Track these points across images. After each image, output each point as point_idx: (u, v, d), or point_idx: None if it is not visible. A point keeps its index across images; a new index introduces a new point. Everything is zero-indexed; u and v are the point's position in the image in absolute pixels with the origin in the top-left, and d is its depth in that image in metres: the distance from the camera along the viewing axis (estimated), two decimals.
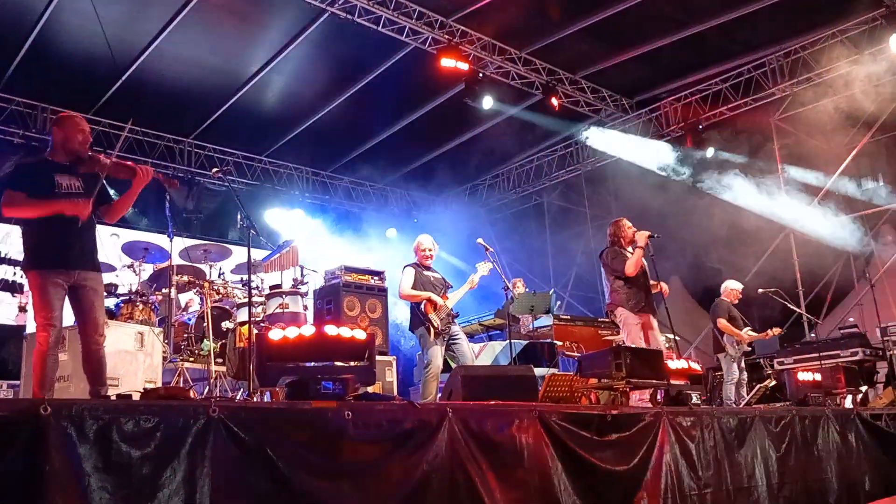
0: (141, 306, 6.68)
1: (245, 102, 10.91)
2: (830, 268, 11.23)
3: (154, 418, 2.75)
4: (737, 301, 8.96)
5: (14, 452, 2.44)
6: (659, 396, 5.75)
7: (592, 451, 4.17)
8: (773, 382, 8.36)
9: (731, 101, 11.17)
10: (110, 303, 6.78)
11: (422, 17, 9.58)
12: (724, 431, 5.03)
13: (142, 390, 4.79)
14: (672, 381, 5.42)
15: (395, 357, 8.14)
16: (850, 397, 7.80)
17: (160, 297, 7.20)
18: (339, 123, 11.78)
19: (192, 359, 6.92)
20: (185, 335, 7.06)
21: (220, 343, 6.88)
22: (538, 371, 6.34)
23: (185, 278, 7.21)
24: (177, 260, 7.41)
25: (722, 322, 8.61)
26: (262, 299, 7.29)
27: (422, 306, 6.37)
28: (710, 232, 10.80)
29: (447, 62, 9.64)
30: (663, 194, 11.13)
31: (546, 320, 9.10)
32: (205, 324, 6.85)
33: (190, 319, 7.27)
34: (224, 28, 9.44)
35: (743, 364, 8.73)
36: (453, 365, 6.39)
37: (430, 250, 6.72)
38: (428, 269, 6.69)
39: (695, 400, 5.50)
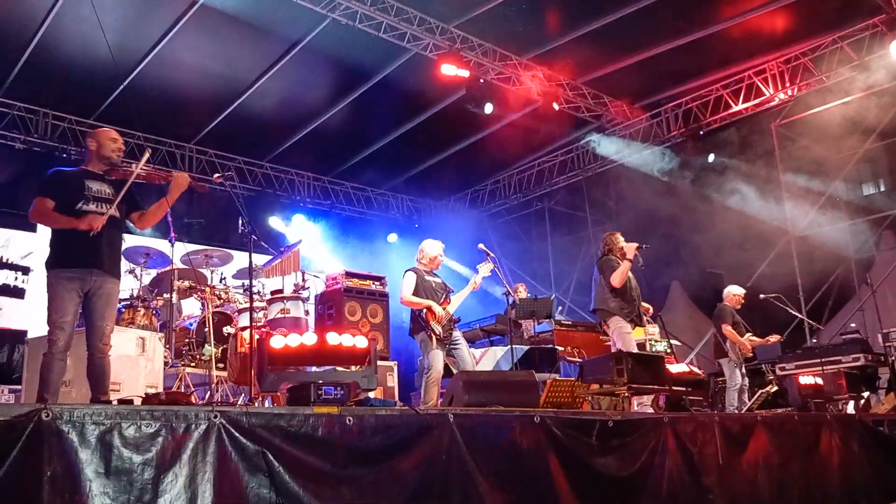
0: (142, 311, 6.68)
1: (247, 108, 10.93)
2: (832, 273, 11.22)
3: (155, 423, 2.75)
4: (739, 306, 8.96)
5: (15, 457, 2.44)
6: (660, 402, 5.75)
7: (594, 458, 4.17)
8: (775, 388, 8.33)
9: (733, 106, 11.18)
10: None
11: (423, 23, 9.60)
12: (726, 437, 5.02)
13: (143, 395, 4.79)
14: (673, 387, 5.43)
15: (396, 362, 8.14)
16: (851, 403, 7.78)
17: (161, 302, 7.20)
18: (341, 129, 11.79)
19: (193, 364, 6.92)
20: (187, 340, 7.07)
21: (221, 348, 6.88)
22: (539, 376, 6.32)
23: (187, 283, 7.22)
24: (178, 265, 7.42)
25: (727, 328, 8.61)
26: (264, 304, 7.29)
27: (423, 312, 6.37)
28: (712, 237, 10.79)
29: (447, 69, 9.65)
30: (664, 200, 11.13)
31: (547, 325, 9.10)
32: (206, 329, 6.85)
33: (191, 324, 7.27)
34: (225, 34, 9.46)
35: (744, 370, 8.71)
36: (454, 370, 6.38)
37: (437, 255, 6.72)
38: (429, 273, 6.68)
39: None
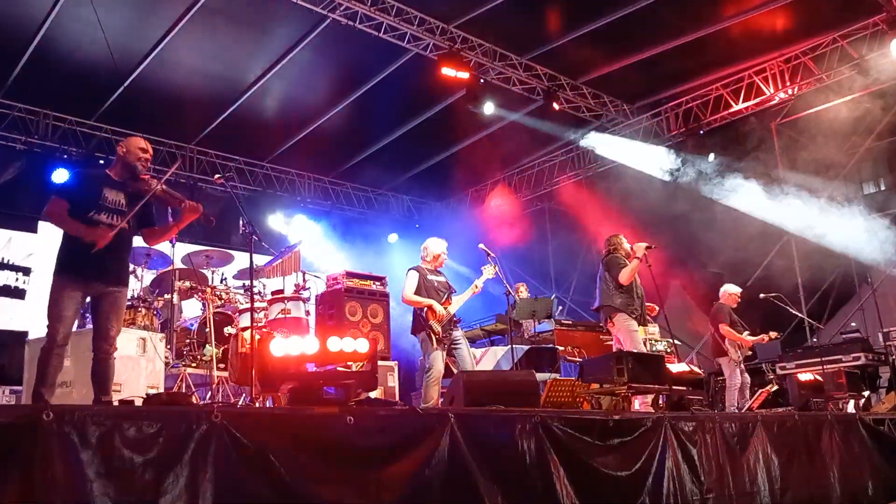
0: (143, 312, 6.69)
1: (247, 109, 10.94)
2: (832, 272, 11.21)
3: (156, 424, 2.75)
4: (735, 305, 8.95)
5: (15, 459, 2.45)
6: (661, 401, 5.75)
7: (594, 457, 4.17)
8: (776, 387, 8.34)
9: (732, 105, 11.17)
10: None
11: (423, 23, 9.60)
12: (726, 436, 5.02)
13: (144, 396, 4.81)
14: (674, 387, 5.43)
15: (396, 362, 8.15)
16: (852, 402, 7.78)
17: (162, 303, 7.21)
18: (341, 129, 11.81)
19: (194, 364, 6.93)
20: (188, 341, 7.07)
21: (222, 348, 6.89)
22: (540, 376, 6.33)
23: (188, 284, 7.23)
24: (179, 265, 7.42)
25: (724, 327, 8.61)
26: (265, 305, 7.30)
27: (424, 312, 6.38)
28: (712, 236, 10.79)
29: (447, 71, 9.65)
30: (664, 199, 11.13)
31: (548, 325, 9.11)
32: (207, 329, 6.86)
33: (192, 325, 7.28)
34: (225, 34, 9.48)
35: (743, 367, 8.71)
36: (455, 370, 6.39)
37: (440, 254, 6.73)
38: (432, 272, 6.68)
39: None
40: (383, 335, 8.17)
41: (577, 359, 8.62)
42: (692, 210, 10.98)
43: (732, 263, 10.93)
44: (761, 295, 9.11)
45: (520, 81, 10.89)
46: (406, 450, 3.41)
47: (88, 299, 4.41)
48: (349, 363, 3.98)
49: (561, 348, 8.73)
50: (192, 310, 8.07)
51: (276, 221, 12.87)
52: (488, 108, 10.56)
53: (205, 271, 7.55)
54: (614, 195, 13.00)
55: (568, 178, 13.45)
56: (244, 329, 6.61)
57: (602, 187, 13.14)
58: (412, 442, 3.45)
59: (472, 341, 9.21)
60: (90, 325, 4.57)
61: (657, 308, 7.08)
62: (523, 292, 9.80)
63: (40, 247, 10.29)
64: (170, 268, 7.37)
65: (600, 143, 12.41)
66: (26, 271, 10.33)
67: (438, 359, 6.29)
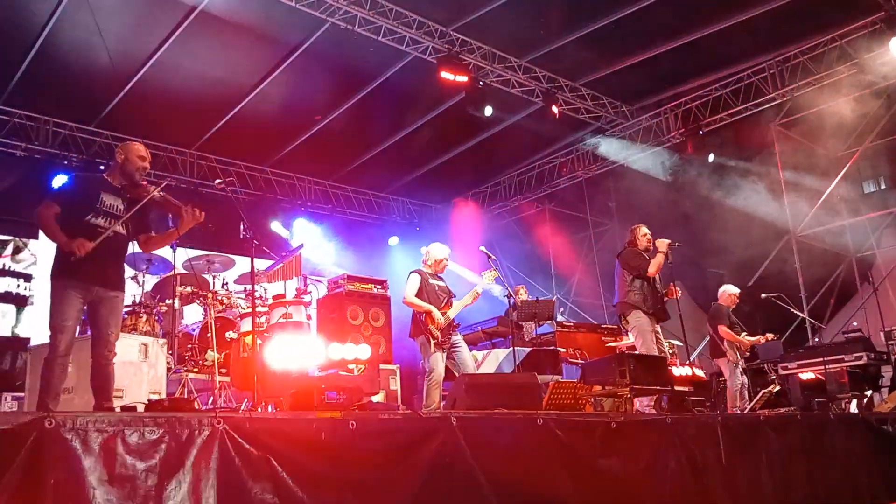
0: (145, 317, 6.68)
1: (247, 113, 10.94)
2: (833, 272, 11.21)
3: (158, 430, 2.76)
4: (734, 306, 8.94)
5: (18, 465, 2.45)
6: (663, 403, 5.75)
7: (597, 459, 4.17)
8: (778, 387, 8.32)
9: (732, 106, 11.17)
10: None
11: (422, 26, 9.61)
12: (728, 437, 5.01)
13: (146, 402, 4.80)
14: (676, 388, 5.43)
15: (398, 365, 8.14)
16: (854, 402, 7.77)
17: (164, 308, 7.21)
18: (342, 133, 11.81)
19: (196, 369, 6.92)
20: (189, 346, 7.07)
21: (224, 353, 6.88)
22: (542, 378, 6.33)
23: (189, 289, 7.22)
24: (180, 270, 7.42)
25: (723, 328, 8.59)
26: (266, 309, 7.29)
27: (423, 316, 6.38)
28: (712, 237, 10.80)
29: (446, 74, 9.65)
30: (665, 200, 11.14)
31: (549, 327, 9.10)
32: (209, 334, 6.86)
33: (194, 330, 7.28)
34: (225, 39, 9.48)
35: (742, 367, 8.70)
36: (456, 374, 6.39)
37: (442, 258, 6.73)
38: (433, 277, 6.68)
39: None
40: (385, 339, 8.15)
41: (579, 361, 8.61)
42: (692, 210, 11.00)
43: (733, 263, 10.94)
44: (763, 295, 9.10)
45: (519, 84, 10.90)
46: (408, 453, 3.41)
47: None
48: (351, 367, 3.98)
49: (563, 350, 8.72)
50: (193, 315, 8.06)
51: (277, 225, 12.87)
52: (487, 110, 10.57)
53: (206, 276, 7.54)
54: (614, 197, 13.04)
55: (568, 180, 13.45)
56: (246, 334, 6.61)
57: (602, 189, 13.16)
58: (414, 445, 3.45)
59: (474, 344, 9.20)
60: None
61: (679, 291, 7.03)
62: (523, 294, 9.79)
63: (42, 253, 10.31)
64: (171, 273, 7.37)
65: (600, 145, 12.42)
66: (28, 278, 10.35)
67: (439, 361, 6.29)
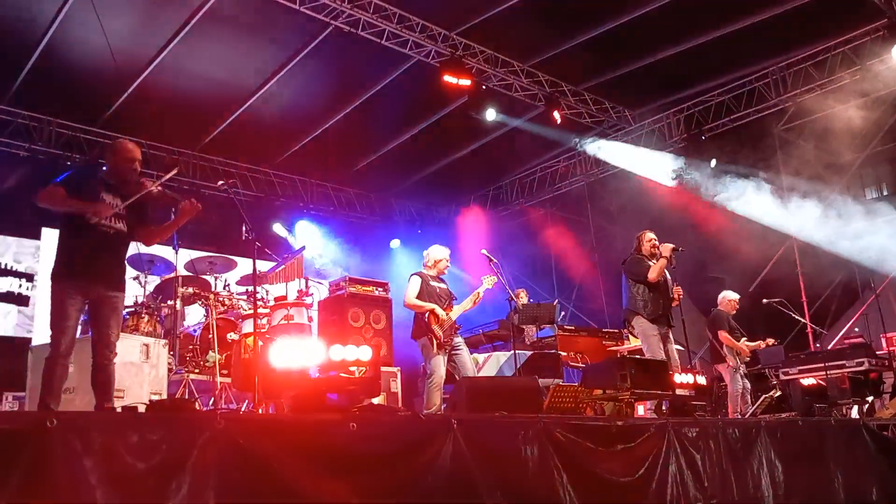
0: (146, 318, 6.70)
1: (250, 114, 10.96)
2: (834, 278, 11.20)
3: (159, 431, 2.76)
4: (734, 311, 8.93)
5: (19, 466, 2.45)
6: (664, 407, 5.75)
7: (597, 463, 4.16)
8: (779, 393, 8.32)
9: (734, 111, 11.18)
10: None
11: (425, 30, 9.63)
12: (729, 442, 5.01)
13: (147, 402, 4.80)
14: (677, 392, 5.42)
15: (399, 368, 8.14)
16: (855, 407, 7.76)
17: (166, 309, 7.22)
18: (344, 135, 11.82)
19: (197, 370, 6.93)
20: (191, 347, 7.08)
21: (225, 355, 6.89)
22: (543, 382, 6.33)
23: (191, 290, 7.23)
24: (182, 272, 7.44)
25: (723, 334, 8.59)
26: (268, 311, 7.30)
27: (426, 317, 6.38)
28: (713, 242, 10.79)
29: (449, 78, 9.65)
30: (667, 205, 11.13)
31: (550, 331, 9.09)
32: (210, 335, 6.87)
33: (195, 331, 7.29)
34: (229, 41, 9.51)
35: (743, 372, 8.69)
36: (457, 376, 6.39)
37: (443, 261, 6.73)
38: (434, 279, 6.69)
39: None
40: (386, 341, 8.15)
41: (580, 364, 8.61)
42: (694, 215, 10.98)
43: (734, 269, 10.92)
44: (764, 300, 9.10)
45: (521, 88, 10.91)
46: (409, 456, 3.41)
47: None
48: (352, 369, 3.99)
49: (564, 354, 8.72)
50: (195, 316, 8.07)
51: (279, 227, 12.89)
52: (490, 114, 10.57)
53: (208, 277, 7.56)
54: (616, 201, 13.03)
55: (570, 184, 13.46)
56: (247, 335, 6.62)
57: (604, 193, 13.15)
58: (415, 448, 3.45)
59: (475, 347, 9.20)
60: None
61: (680, 293, 7.02)
62: (523, 298, 9.78)
63: (43, 253, 10.32)
64: (173, 274, 7.38)
65: (602, 149, 12.42)
66: (29, 277, 10.36)
67: (440, 364, 6.30)
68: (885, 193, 11.82)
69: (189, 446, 2.79)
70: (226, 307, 7.40)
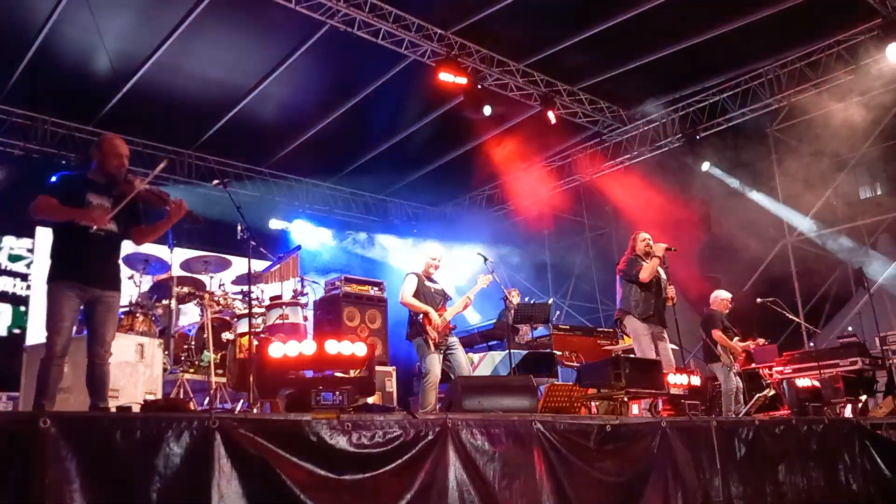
0: (141, 317, 6.68)
1: (246, 114, 10.95)
2: (828, 277, 11.24)
3: (154, 430, 2.76)
4: (727, 311, 8.94)
5: (12, 464, 2.45)
6: (658, 406, 5.77)
7: (592, 462, 4.18)
8: (772, 392, 8.35)
9: (729, 111, 11.21)
10: None
11: (421, 29, 9.63)
12: (724, 441, 5.03)
13: (142, 402, 4.80)
14: (671, 392, 5.44)
15: (394, 367, 8.15)
16: (849, 407, 7.79)
17: (161, 309, 7.20)
18: (340, 135, 11.82)
19: (192, 370, 6.92)
20: (186, 346, 7.06)
21: (220, 354, 6.88)
22: (538, 381, 6.35)
23: (186, 289, 7.22)
24: (177, 271, 7.42)
25: (717, 334, 8.59)
26: (263, 310, 7.30)
27: (420, 317, 6.38)
28: (708, 241, 10.82)
29: (445, 77, 9.66)
30: (661, 205, 11.15)
31: (545, 330, 9.11)
32: (205, 335, 6.86)
33: (190, 330, 7.28)
34: (225, 40, 9.50)
35: (736, 370, 8.70)
36: (452, 376, 6.39)
37: (437, 260, 6.73)
38: (430, 279, 6.69)
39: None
40: (381, 340, 8.15)
41: (575, 364, 8.63)
42: (688, 215, 11.01)
43: (729, 268, 10.95)
44: (758, 300, 9.12)
45: (517, 87, 10.92)
46: (404, 455, 3.43)
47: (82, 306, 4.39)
48: (347, 369, 3.99)
49: (558, 353, 8.74)
50: (190, 315, 8.06)
51: (275, 227, 12.88)
52: (486, 109, 10.58)
53: (203, 277, 7.55)
54: (610, 201, 13.05)
55: (565, 184, 13.47)
56: (242, 335, 6.61)
57: (599, 193, 13.17)
58: (410, 447, 3.46)
59: (470, 346, 9.20)
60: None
61: (674, 295, 7.04)
62: (515, 297, 9.77)
63: (39, 253, 10.30)
64: (168, 273, 7.37)
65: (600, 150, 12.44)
66: (25, 277, 10.33)
67: (435, 363, 6.30)
68: (879, 192, 11.86)
69: (183, 446, 2.80)
70: (221, 307, 7.39)
